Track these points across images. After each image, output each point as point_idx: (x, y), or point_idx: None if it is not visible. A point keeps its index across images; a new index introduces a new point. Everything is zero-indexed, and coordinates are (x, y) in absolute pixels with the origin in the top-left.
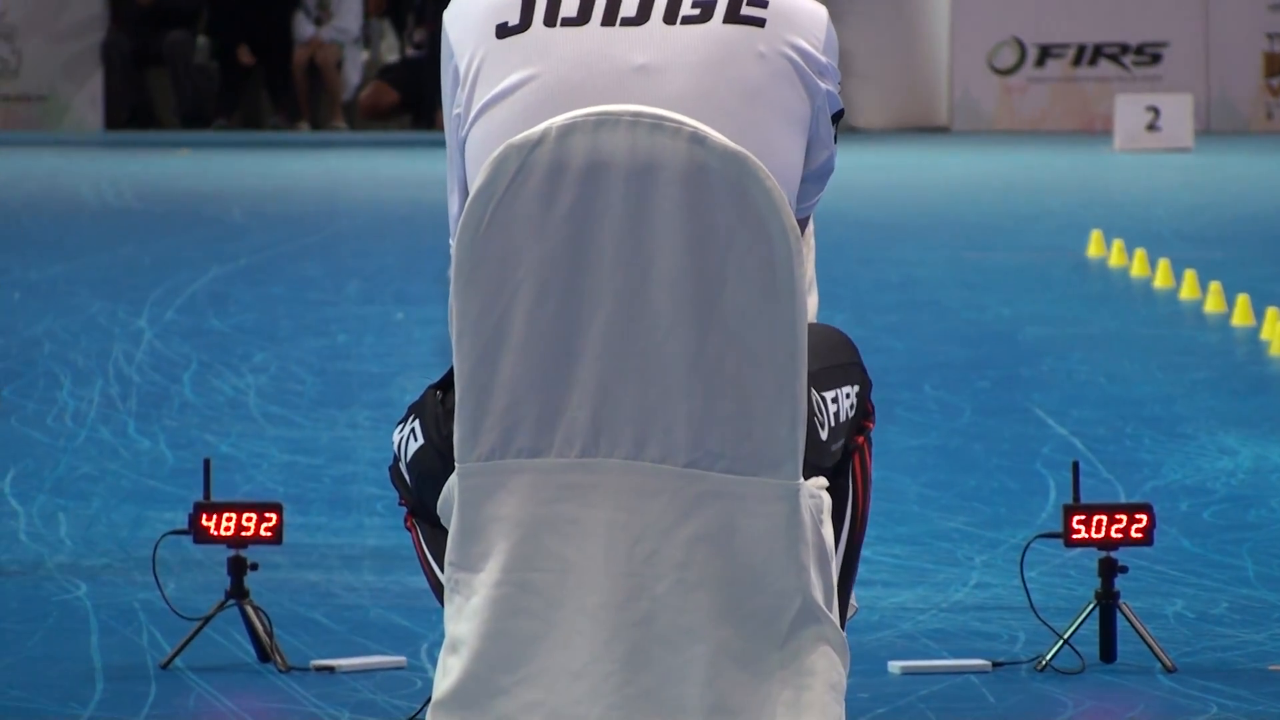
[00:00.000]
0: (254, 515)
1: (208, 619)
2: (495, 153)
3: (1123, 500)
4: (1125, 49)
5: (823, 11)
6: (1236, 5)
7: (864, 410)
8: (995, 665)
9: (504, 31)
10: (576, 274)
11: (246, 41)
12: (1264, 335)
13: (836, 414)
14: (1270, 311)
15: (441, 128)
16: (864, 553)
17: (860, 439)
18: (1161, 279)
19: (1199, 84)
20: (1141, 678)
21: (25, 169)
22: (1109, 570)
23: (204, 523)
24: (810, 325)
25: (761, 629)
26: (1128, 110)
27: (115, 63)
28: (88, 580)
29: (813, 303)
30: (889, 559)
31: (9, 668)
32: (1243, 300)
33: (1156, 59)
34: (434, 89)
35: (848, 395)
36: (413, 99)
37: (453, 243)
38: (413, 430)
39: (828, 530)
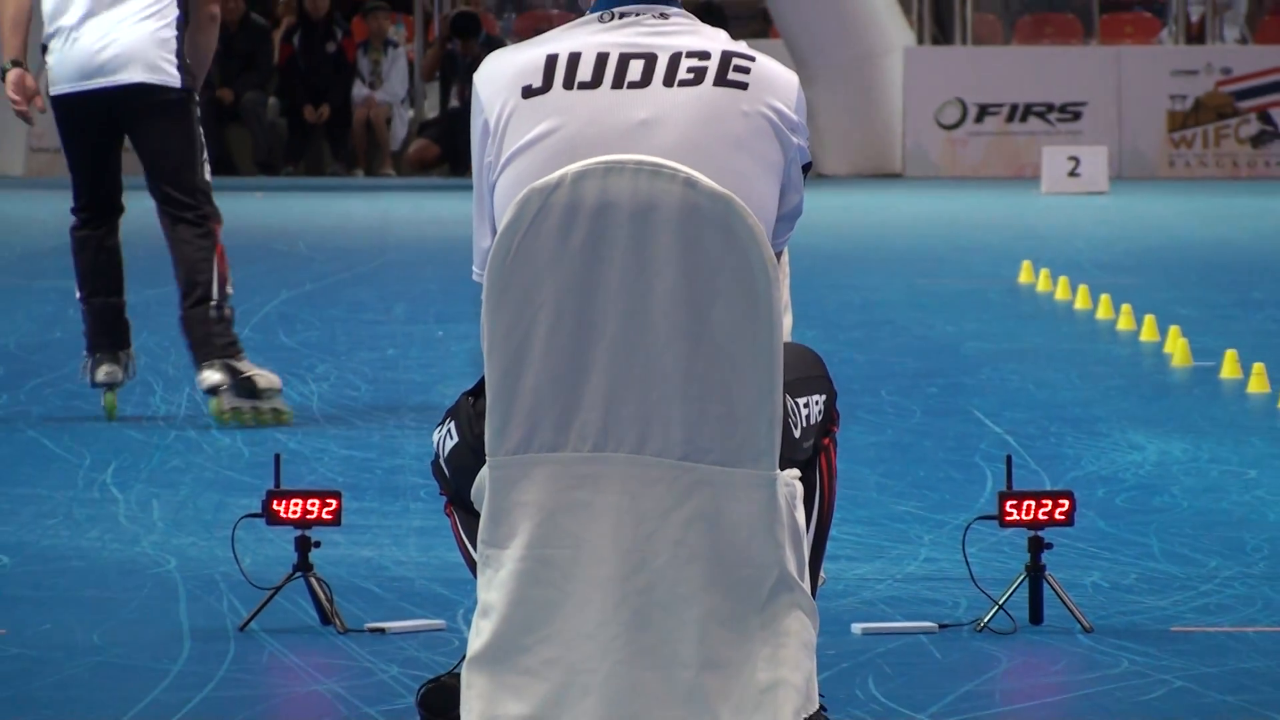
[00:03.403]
0: (317, 501)
1: (278, 588)
2: (520, 195)
3: (1048, 488)
4: (1050, 108)
5: (795, 78)
6: (1144, 71)
7: (830, 416)
8: (941, 627)
9: (529, 92)
10: (588, 297)
11: (311, 102)
12: (1167, 349)
13: (808, 416)
14: (1172, 329)
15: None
16: (830, 533)
17: (827, 440)
18: (1081, 302)
19: (1113, 137)
20: (1064, 637)
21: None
22: (1037, 547)
23: (275, 507)
24: (787, 343)
25: (745, 596)
26: (1053, 159)
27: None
28: (177, 556)
29: (788, 321)
30: (851, 538)
31: (111, 630)
32: (1149, 320)
33: (1077, 116)
34: (469, 142)
35: (817, 402)
36: (450, 151)
37: (476, 270)
38: (449, 430)
39: (800, 513)
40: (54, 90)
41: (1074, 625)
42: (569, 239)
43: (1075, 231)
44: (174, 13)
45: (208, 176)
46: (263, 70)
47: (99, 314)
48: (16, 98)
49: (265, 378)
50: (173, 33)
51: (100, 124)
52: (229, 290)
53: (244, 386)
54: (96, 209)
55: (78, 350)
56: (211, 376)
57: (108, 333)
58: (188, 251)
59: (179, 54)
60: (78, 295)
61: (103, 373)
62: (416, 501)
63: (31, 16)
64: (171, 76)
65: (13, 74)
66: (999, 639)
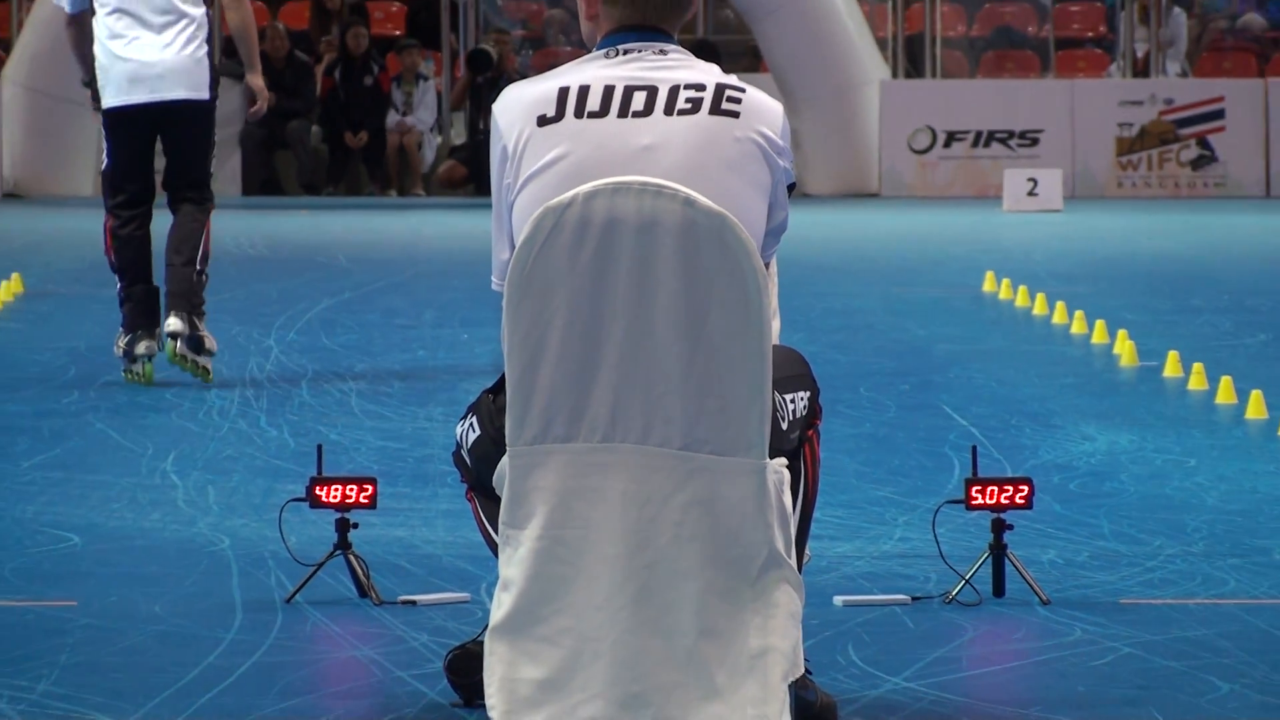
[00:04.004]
0: (355, 487)
1: (320, 565)
2: (536, 213)
3: (1009, 475)
4: (1011, 134)
5: (780, 107)
6: (1095, 102)
7: (814, 410)
8: (914, 599)
9: (543, 121)
10: (597, 304)
11: (350, 129)
12: (1115, 351)
13: (794, 411)
14: (1120, 332)
15: None
16: (814, 515)
17: (811, 432)
18: (1039, 308)
19: (1067, 161)
20: (1024, 609)
21: None
22: (999, 527)
23: (317, 492)
24: (775, 346)
25: (738, 572)
26: (1013, 180)
27: (250, 146)
28: (230, 536)
29: (776, 326)
30: (833, 519)
31: (172, 602)
32: (1100, 324)
33: (1035, 142)
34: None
35: (802, 398)
36: (475, 173)
37: (495, 280)
38: (471, 424)
39: (787, 498)
40: (107, 103)
41: (1033, 598)
42: (580, 252)
43: (1034, 245)
44: (205, 30)
45: (212, 169)
46: (307, 100)
47: (139, 300)
48: (97, 109)
49: (211, 341)
50: (205, 50)
51: (145, 130)
52: (208, 263)
53: (195, 342)
54: (136, 205)
55: None
56: (175, 324)
57: (146, 314)
58: (187, 223)
59: (211, 68)
60: (119, 285)
61: (143, 346)
62: (444, 487)
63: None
64: (205, 91)
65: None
66: (965, 610)
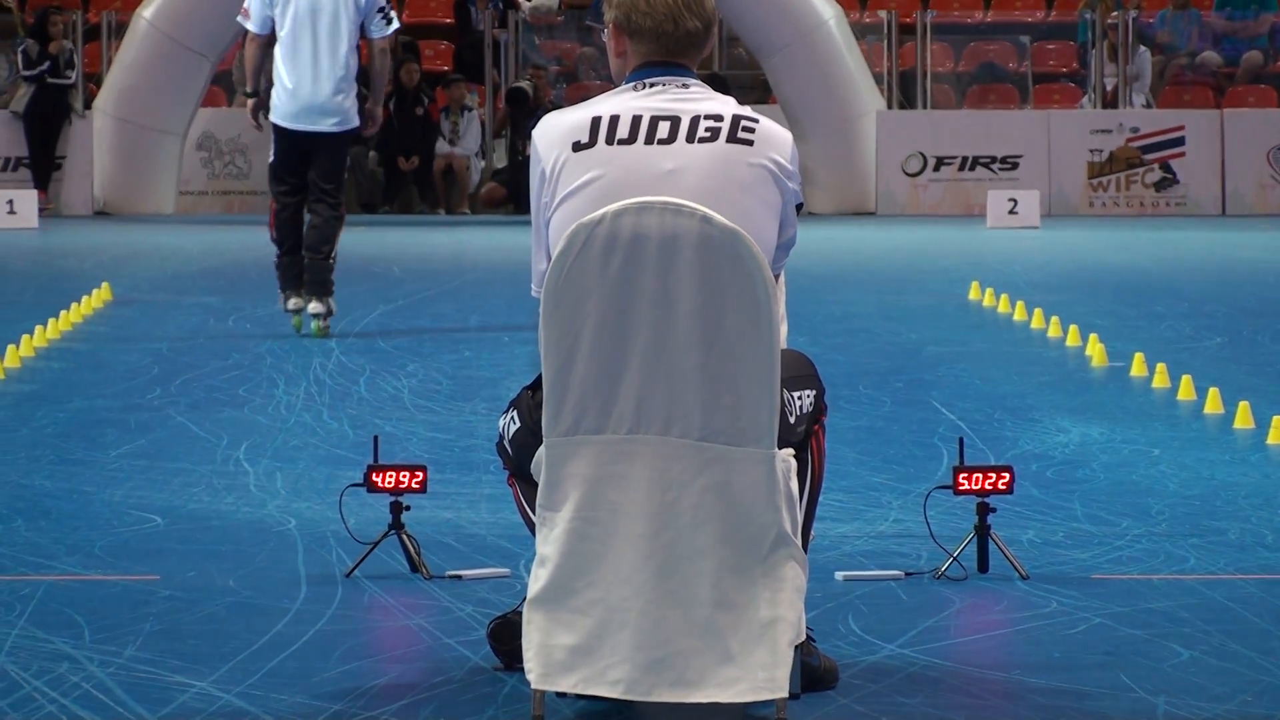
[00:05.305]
0: (408, 473)
1: (376, 543)
2: (570, 229)
3: (992, 463)
4: (994, 159)
5: (790, 135)
6: (1069, 130)
7: (820, 408)
8: (907, 574)
9: (578, 147)
10: (625, 310)
11: (403, 154)
12: (1087, 352)
13: (801, 407)
14: (1092, 336)
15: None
16: (819, 499)
17: (817, 427)
18: (1018, 314)
19: (1044, 183)
20: (1005, 583)
21: (252, 240)
22: (983, 510)
23: (374, 478)
24: (785, 349)
25: (750, 549)
26: (996, 200)
27: None
28: (296, 517)
29: (784, 330)
30: (835, 503)
31: (244, 576)
32: (1073, 329)
33: (1015, 166)
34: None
35: (809, 395)
36: (515, 194)
37: (534, 288)
38: (512, 417)
39: (794, 483)
40: (275, 119)
41: (1013, 574)
42: (609, 264)
43: (1014, 258)
44: (356, 64)
45: (344, 176)
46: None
47: (287, 267)
48: (254, 121)
49: (334, 304)
50: (353, 86)
51: (300, 145)
52: (336, 248)
53: (329, 315)
54: (292, 195)
55: (218, 354)
56: (318, 307)
57: (294, 278)
58: (322, 223)
59: (359, 99)
60: (277, 253)
61: (291, 303)
62: (487, 474)
63: (266, 59)
64: (347, 125)
65: (252, 102)
66: (953, 584)
